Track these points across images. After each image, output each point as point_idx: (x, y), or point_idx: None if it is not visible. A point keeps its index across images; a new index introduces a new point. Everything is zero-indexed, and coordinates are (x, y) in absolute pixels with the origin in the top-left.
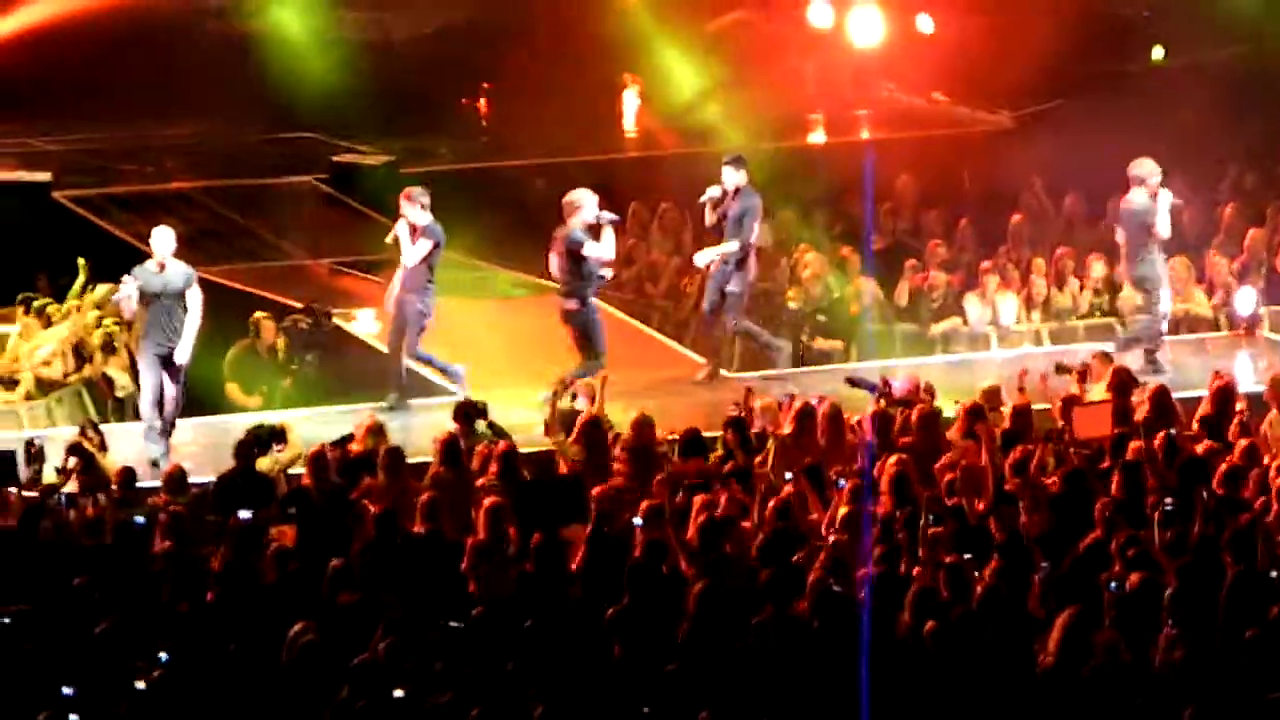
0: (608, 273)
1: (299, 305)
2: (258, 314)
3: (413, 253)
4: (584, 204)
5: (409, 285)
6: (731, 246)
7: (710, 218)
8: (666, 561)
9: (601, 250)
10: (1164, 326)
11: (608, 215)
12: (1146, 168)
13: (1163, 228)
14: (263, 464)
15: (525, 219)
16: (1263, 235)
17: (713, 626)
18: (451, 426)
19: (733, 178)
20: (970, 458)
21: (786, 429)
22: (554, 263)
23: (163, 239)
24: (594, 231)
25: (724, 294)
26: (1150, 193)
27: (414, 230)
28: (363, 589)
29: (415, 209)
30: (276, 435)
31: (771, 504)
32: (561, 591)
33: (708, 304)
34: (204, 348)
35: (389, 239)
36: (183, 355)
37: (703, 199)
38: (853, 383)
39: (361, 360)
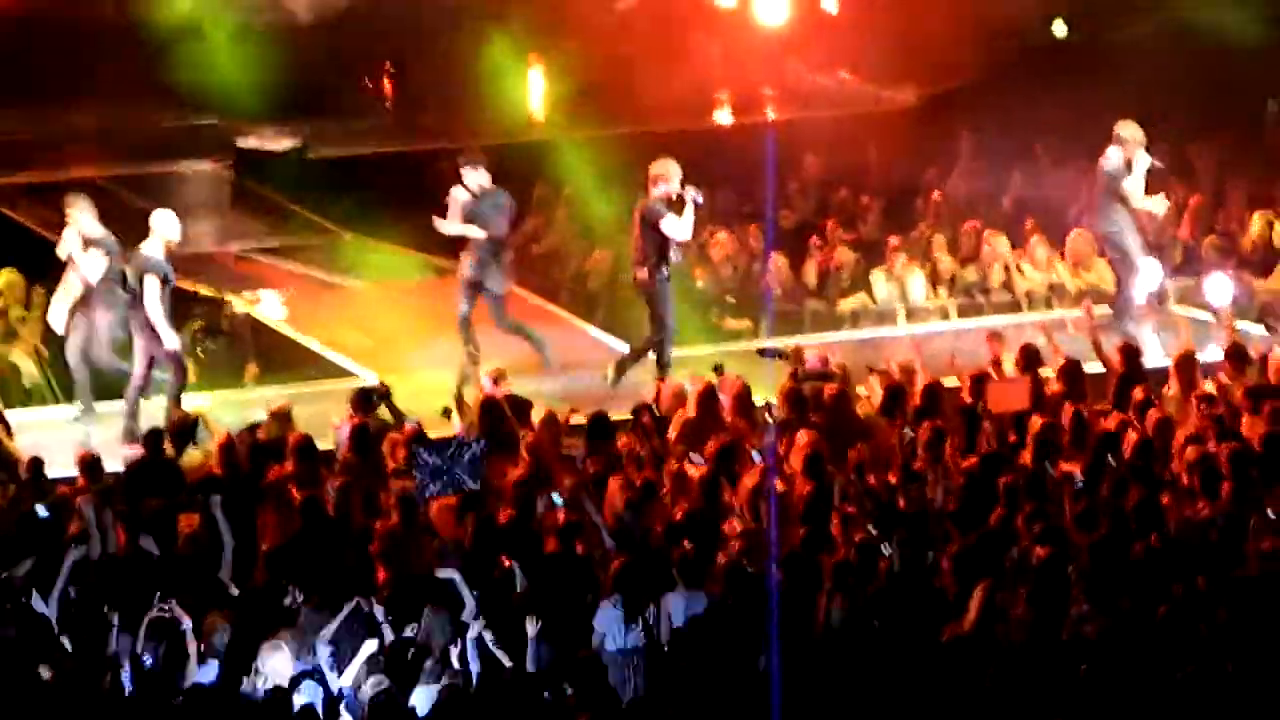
0: (677, 256)
1: (207, 293)
2: None
3: (89, 266)
4: (670, 176)
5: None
6: (478, 233)
7: (455, 221)
8: (578, 542)
9: (679, 228)
10: (1135, 294)
11: (692, 191)
12: (1128, 130)
13: (1134, 192)
14: (196, 456)
15: (431, 201)
16: (1171, 211)
17: (632, 605)
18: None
19: (475, 178)
20: (883, 435)
21: (691, 410)
22: (633, 232)
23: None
24: (675, 205)
25: (482, 292)
26: (1126, 157)
27: (86, 242)
28: (279, 575)
29: (86, 219)
30: (189, 430)
31: (684, 486)
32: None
33: (464, 307)
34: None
35: (61, 254)
36: None
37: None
38: (764, 353)
39: (266, 344)
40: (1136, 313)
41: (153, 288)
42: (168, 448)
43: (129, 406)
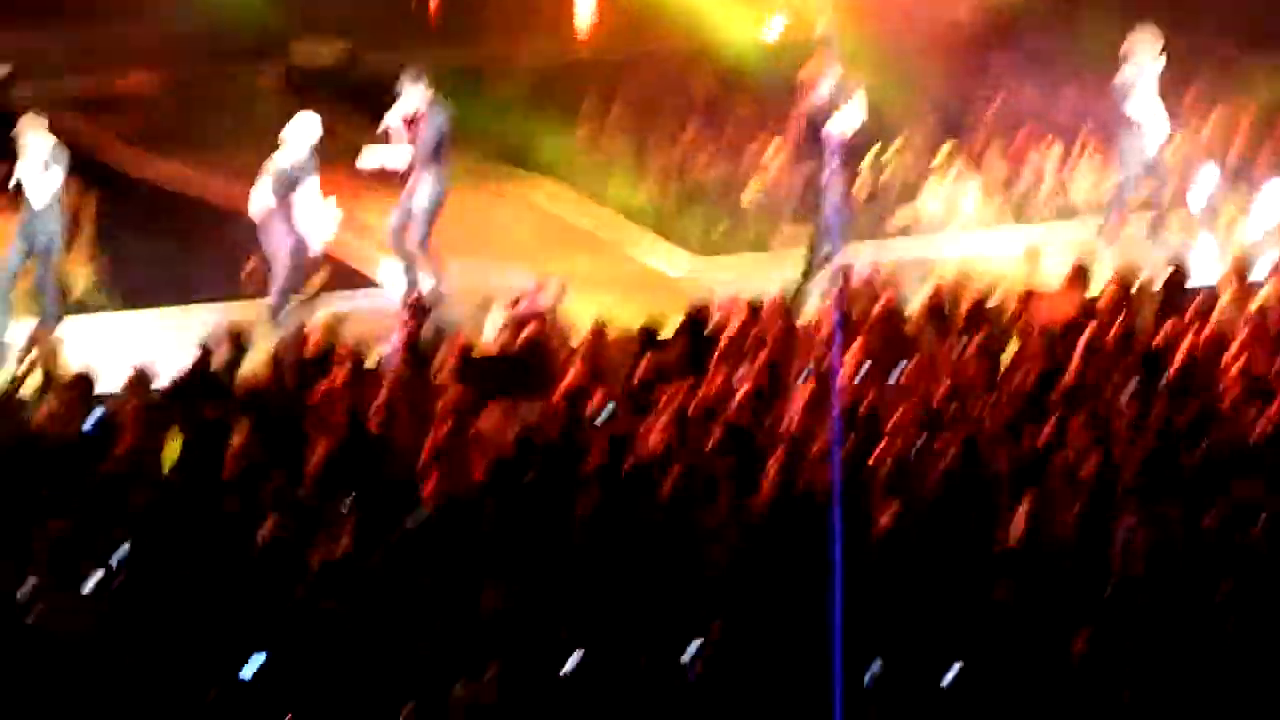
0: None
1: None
2: None
3: (46, 184)
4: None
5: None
6: (401, 155)
7: (400, 140)
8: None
9: (847, 119)
10: (1125, 201)
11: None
12: (1133, 39)
13: (1135, 102)
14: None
15: (484, 114)
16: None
17: (684, 515)
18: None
19: (415, 93)
20: (932, 346)
21: (734, 324)
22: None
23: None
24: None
25: (410, 211)
26: (1136, 67)
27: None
28: (326, 490)
29: (39, 138)
30: (236, 340)
31: (733, 400)
32: (528, 485)
33: (395, 219)
34: (166, 244)
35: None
36: None
37: (384, 124)
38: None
39: None
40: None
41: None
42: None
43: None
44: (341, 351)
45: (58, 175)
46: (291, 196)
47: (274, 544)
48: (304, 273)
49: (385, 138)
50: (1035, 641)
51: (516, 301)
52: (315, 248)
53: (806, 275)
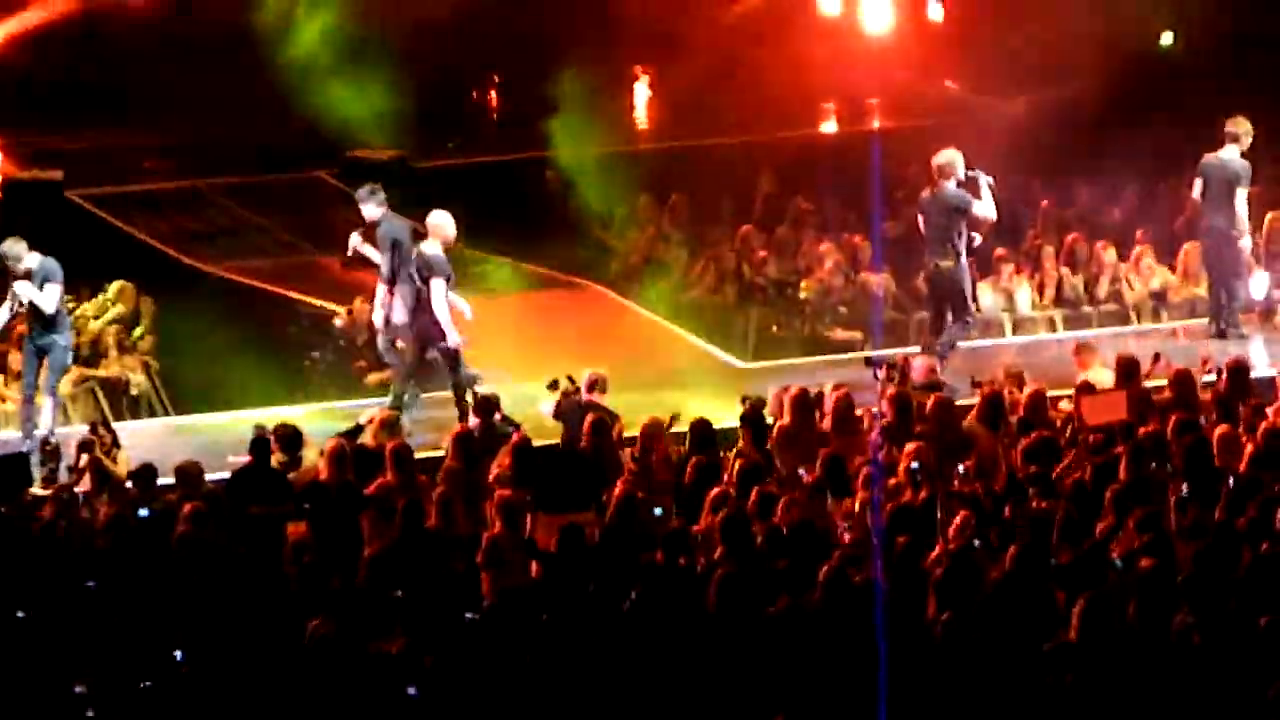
0: (977, 239)
1: (313, 301)
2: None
3: (45, 299)
4: (956, 165)
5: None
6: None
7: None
8: (683, 554)
9: (987, 209)
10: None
11: (983, 175)
12: (1242, 126)
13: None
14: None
15: (537, 211)
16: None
17: (733, 617)
18: (458, 422)
19: (371, 210)
20: (986, 445)
21: (786, 418)
22: (924, 224)
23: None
24: (971, 190)
25: (387, 322)
26: (1240, 151)
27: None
28: (381, 584)
29: (19, 249)
30: (294, 438)
31: (785, 497)
32: (580, 583)
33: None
34: (223, 345)
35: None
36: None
37: (351, 248)
38: (871, 362)
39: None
40: (1238, 320)
41: (439, 287)
42: (274, 456)
43: (409, 394)
44: (390, 445)
45: (55, 290)
46: (430, 292)
47: (325, 639)
48: (440, 367)
49: (357, 260)
50: None
51: (565, 394)
52: (454, 341)
53: None
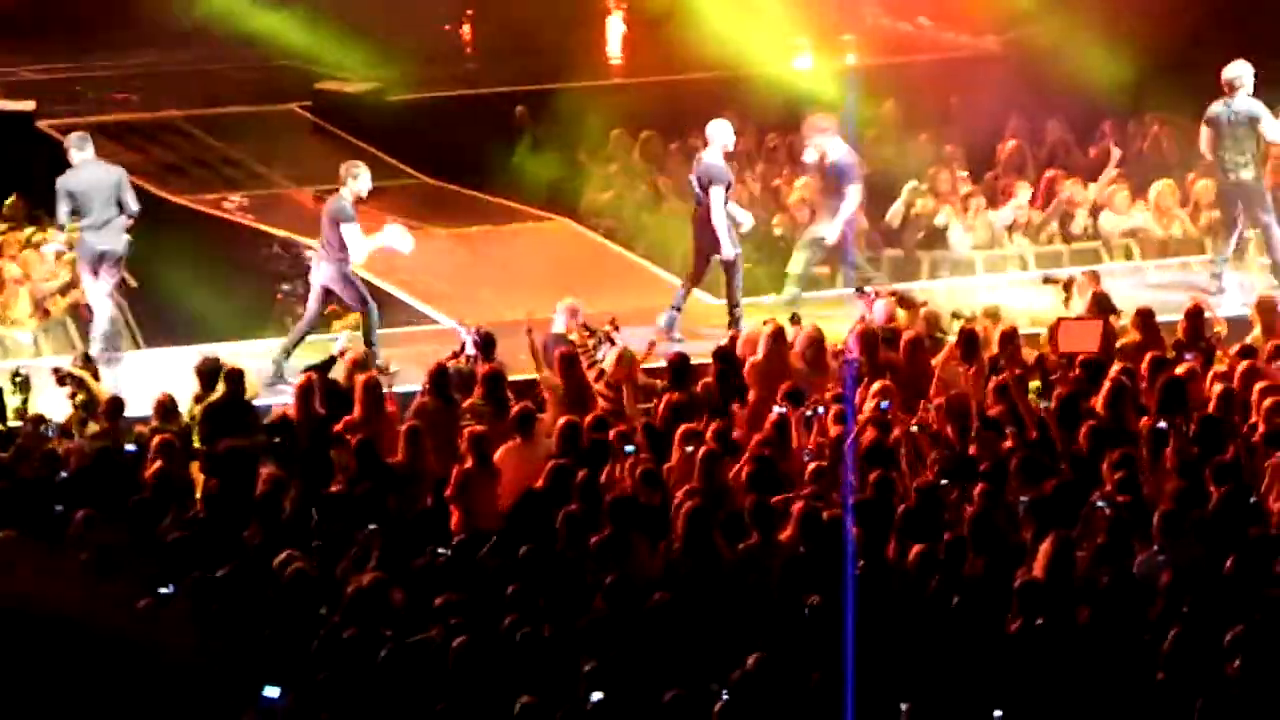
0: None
1: (282, 234)
2: None
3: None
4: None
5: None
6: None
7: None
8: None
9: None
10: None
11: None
12: (1240, 69)
13: (1270, 129)
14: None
15: (510, 145)
16: None
17: (701, 552)
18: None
19: (74, 158)
20: (958, 382)
21: (759, 354)
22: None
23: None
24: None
25: None
26: (1247, 94)
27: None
28: (348, 519)
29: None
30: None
31: (755, 437)
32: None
33: None
34: (194, 277)
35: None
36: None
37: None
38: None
39: None
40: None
41: (718, 195)
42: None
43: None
44: (359, 384)
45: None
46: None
47: (298, 574)
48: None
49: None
50: (1055, 677)
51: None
52: (728, 252)
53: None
